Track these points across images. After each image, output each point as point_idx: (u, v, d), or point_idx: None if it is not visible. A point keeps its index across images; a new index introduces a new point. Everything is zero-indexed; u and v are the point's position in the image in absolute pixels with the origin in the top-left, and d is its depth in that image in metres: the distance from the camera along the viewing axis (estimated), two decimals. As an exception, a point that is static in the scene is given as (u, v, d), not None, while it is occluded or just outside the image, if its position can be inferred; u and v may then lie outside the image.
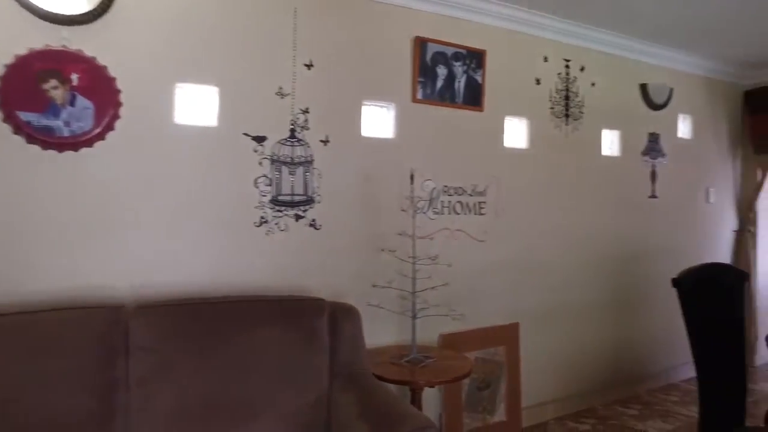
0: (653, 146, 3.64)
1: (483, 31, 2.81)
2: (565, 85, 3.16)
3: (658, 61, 3.62)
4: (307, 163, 2.29)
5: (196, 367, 1.75)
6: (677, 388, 3.70)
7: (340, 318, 2.02)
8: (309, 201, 2.31)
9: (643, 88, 3.56)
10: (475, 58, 2.76)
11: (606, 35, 3.26)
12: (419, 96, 2.61)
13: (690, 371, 4.04)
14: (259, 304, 1.96)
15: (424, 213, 2.62)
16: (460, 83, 2.74)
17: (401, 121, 2.58)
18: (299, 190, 2.28)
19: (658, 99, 3.60)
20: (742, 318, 2.03)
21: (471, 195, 2.82)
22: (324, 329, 1.96)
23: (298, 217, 2.28)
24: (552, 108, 3.12)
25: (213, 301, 1.92)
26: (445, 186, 2.72)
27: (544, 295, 3.10)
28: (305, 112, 2.28)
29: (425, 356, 2.26)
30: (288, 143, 2.25)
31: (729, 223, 4.24)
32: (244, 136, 2.17)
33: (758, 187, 4.19)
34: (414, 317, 2.28)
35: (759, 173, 4.22)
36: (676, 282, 1.85)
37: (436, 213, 2.68)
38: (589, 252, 3.32)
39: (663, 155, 3.70)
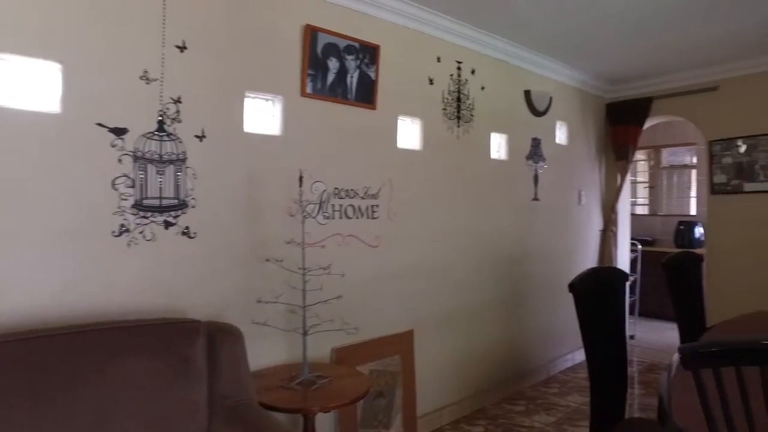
0: (536, 151, 3.80)
1: (377, 26, 2.67)
2: (456, 86, 3.15)
3: (540, 69, 3.79)
4: (179, 161, 1.97)
5: (32, 421, 1.37)
6: (556, 380, 3.91)
7: (219, 341, 1.75)
8: (181, 205, 1.98)
9: (527, 94, 3.69)
10: (369, 52, 2.61)
11: (496, 40, 3.31)
12: (309, 90, 2.40)
13: (565, 363, 4.37)
14: (118, 332, 1.61)
15: (314, 218, 2.41)
16: (353, 79, 2.57)
17: (289, 117, 2.34)
18: (169, 192, 1.95)
19: (540, 106, 3.76)
20: (624, 316, 2.12)
21: (363, 198, 2.67)
22: (200, 356, 1.67)
23: (168, 225, 1.94)
24: (444, 109, 3.08)
25: (57, 331, 1.53)
26: (336, 188, 2.54)
27: (438, 300, 3.06)
28: (177, 101, 1.95)
29: (318, 376, 2.06)
30: (155, 137, 1.90)
31: (596, 223, 4.59)
32: (99, 127, 1.78)
33: (618, 190, 4.60)
34: (305, 334, 2.07)
35: (618, 178, 4.63)
36: (572, 287, 1.86)
37: (327, 218, 2.49)
38: (479, 254, 3.35)
39: (544, 159, 3.87)
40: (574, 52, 3.66)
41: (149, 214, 1.89)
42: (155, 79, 1.89)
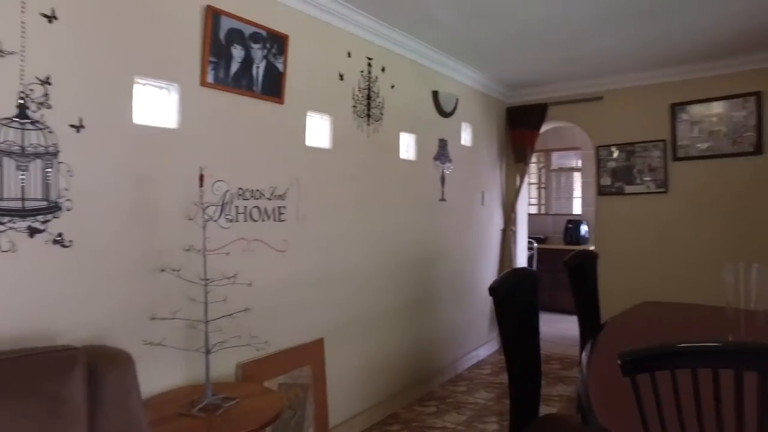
0: (443, 152, 3.82)
1: (286, 14, 2.48)
2: (367, 84, 3.05)
3: (448, 71, 3.81)
4: (49, 155, 1.64)
5: None
6: (463, 377, 3.97)
7: (102, 370, 1.47)
8: (52, 208, 1.65)
9: (435, 95, 3.69)
10: (277, 42, 2.42)
11: (406, 38, 3.26)
12: (210, 79, 2.15)
13: (470, 360, 4.48)
14: (-37, 368, 1.28)
15: (216, 221, 2.17)
16: (259, 69, 2.36)
17: (187, 108, 2.08)
18: (35, 193, 1.61)
19: (447, 107, 3.79)
20: (538, 315, 2.17)
21: (270, 199, 2.47)
22: (77, 391, 1.39)
23: (34, 232, 1.61)
24: (355, 107, 2.97)
25: None
26: (240, 188, 2.31)
27: (348, 305, 2.94)
28: (45, 82, 1.62)
29: (223, 398, 1.84)
30: (15, 125, 1.57)
31: (497, 222, 4.76)
32: (-65, 111, 1.42)
33: (517, 191, 4.81)
34: (207, 352, 1.84)
35: (517, 179, 4.84)
36: (493, 290, 1.83)
37: (230, 221, 2.26)
38: (388, 257, 3.28)
39: (450, 160, 3.91)
40: (479, 56, 3.74)
41: (6, 219, 1.55)
42: (12, 53, 1.55)
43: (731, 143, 3.83)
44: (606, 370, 1.81)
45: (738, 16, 2.99)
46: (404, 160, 3.44)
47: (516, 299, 1.98)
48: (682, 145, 4.03)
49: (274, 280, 2.45)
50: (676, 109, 4.04)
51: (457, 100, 3.90)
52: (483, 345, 4.47)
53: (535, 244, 5.49)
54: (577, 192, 6.70)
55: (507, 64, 3.96)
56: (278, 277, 2.48)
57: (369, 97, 3.07)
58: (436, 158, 3.75)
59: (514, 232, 4.85)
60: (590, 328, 2.82)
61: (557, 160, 6.95)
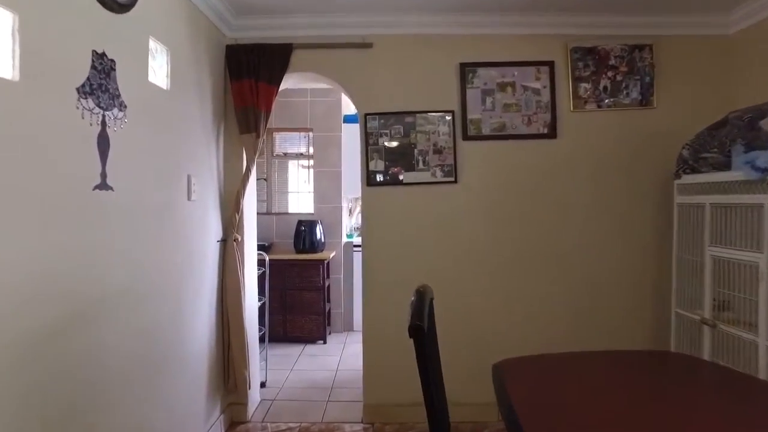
0: (104, 82, 1.75)
1: None
2: None
3: None
4: None
5: None
6: None
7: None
8: None
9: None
10: None
11: None
12: None
13: None
14: None
15: None
16: None
17: None
18: None
19: (115, -17, 1.75)
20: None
21: None
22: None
23: None
24: None
25: None
26: None
27: None
28: None
29: None
30: None
31: (215, 229, 2.90)
32: None
33: (244, 179, 3.05)
34: None
35: (244, 160, 3.09)
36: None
37: None
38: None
39: (122, 105, 1.87)
40: None
41: None
42: None
43: (527, 122, 3.00)
44: None
45: None
46: (-19, 78, 1.27)
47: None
48: (474, 119, 3.01)
49: None
50: (466, 71, 3.00)
51: (138, -21, 1.88)
52: (193, 444, 2.55)
53: (267, 258, 3.83)
54: (309, 185, 5.34)
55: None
56: None
57: None
58: (87, 92, 1.66)
59: (240, 243, 3.08)
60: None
61: (282, 144, 5.44)
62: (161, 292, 2.19)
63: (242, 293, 2.99)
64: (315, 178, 5.20)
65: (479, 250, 3.03)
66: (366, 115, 3.03)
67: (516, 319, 3.01)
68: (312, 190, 5.24)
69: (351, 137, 5.15)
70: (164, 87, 2.23)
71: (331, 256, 4.92)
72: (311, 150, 5.27)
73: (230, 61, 3.03)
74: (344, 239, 5.24)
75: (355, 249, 5.17)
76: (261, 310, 3.62)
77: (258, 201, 5.40)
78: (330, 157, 5.17)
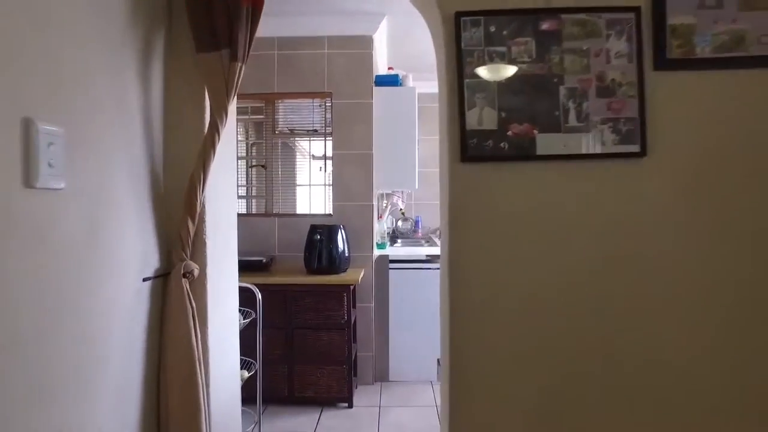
0: None
1: None
2: None
3: None
4: None
5: None
6: None
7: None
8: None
9: None
10: None
11: None
12: None
13: None
14: None
15: None
16: None
17: None
18: None
19: None
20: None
21: None
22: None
23: None
24: None
25: None
26: None
27: None
28: None
29: None
30: None
31: (132, 258, 1.34)
32: None
33: (207, 148, 1.50)
34: None
35: (207, 108, 1.54)
36: None
37: None
38: None
39: None
40: None
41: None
42: None
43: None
44: None
45: None
46: None
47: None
48: (679, 26, 1.44)
49: None
50: None
51: None
52: None
53: (258, 294, 2.28)
54: (326, 175, 3.78)
55: None
56: None
57: None
58: None
59: (201, 278, 1.52)
60: None
61: (288, 116, 3.87)
62: None
63: (200, 374, 1.44)
64: (335, 164, 3.64)
65: (691, 290, 1.45)
66: (459, 16, 1.45)
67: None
68: (330, 182, 3.67)
69: (387, 105, 3.61)
70: None
71: (360, 277, 3.36)
72: (329, 125, 3.70)
73: None
74: (375, 252, 3.68)
75: (392, 266, 3.61)
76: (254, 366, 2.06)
77: (252, 198, 3.84)
78: (356, 134, 3.61)
